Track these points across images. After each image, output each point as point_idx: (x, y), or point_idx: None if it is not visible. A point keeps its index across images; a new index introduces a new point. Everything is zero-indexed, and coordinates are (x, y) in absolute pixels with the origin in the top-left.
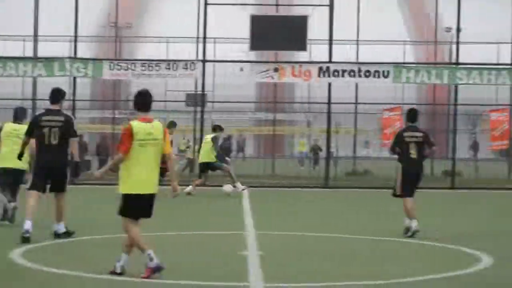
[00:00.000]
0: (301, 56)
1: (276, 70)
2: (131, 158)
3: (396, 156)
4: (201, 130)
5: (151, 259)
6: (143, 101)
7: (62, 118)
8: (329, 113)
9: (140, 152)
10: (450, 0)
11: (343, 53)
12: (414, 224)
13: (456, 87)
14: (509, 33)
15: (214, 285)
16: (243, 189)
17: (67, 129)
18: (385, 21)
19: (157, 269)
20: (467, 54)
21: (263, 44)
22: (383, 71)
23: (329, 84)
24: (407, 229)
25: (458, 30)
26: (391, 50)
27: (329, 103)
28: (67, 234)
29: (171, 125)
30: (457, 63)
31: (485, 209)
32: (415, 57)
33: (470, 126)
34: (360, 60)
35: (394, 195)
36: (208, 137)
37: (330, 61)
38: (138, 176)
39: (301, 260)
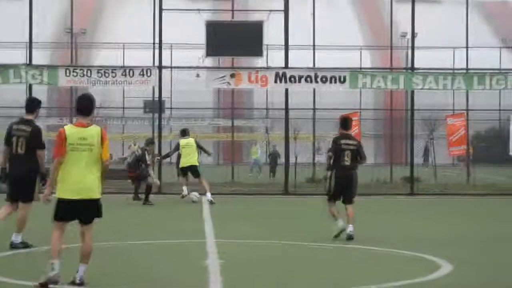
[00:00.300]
0: (258, 62)
1: (232, 76)
2: (65, 163)
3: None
4: (159, 137)
5: (52, 269)
6: (81, 105)
7: (29, 129)
8: (287, 119)
9: (72, 157)
10: (404, 6)
11: (300, 59)
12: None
13: (412, 92)
14: (463, 38)
15: None
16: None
17: (33, 140)
18: (341, 26)
19: (53, 281)
20: (423, 60)
21: (219, 50)
22: (340, 77)
23: (286, 90)
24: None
25: (413, 35)
26: (347, 56)
27: (286, 109)
28: (24, 245)
29: (150, 143)
30: (413, 68)
31: (445, 214)
32: (371, 63)
33: (427, 132)
34: (317, 66)
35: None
36: (191, 140)
37: (286, 67)
38: (70, 181)
39: (262, 268)
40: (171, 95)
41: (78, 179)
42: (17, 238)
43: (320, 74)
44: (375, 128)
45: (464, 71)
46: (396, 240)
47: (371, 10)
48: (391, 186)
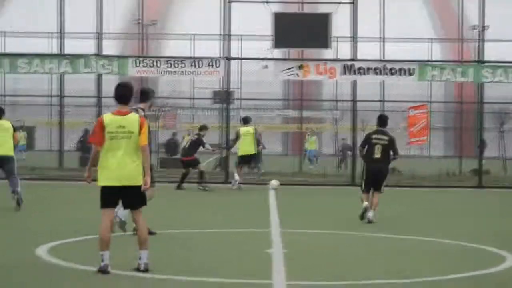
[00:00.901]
0: (326, 53)
1: (300, 67)
2: (105, 151)
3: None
4: (227, 127)
5: (102, 260)
6: (118, 93)
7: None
8: (354, 111)
9: (112, 145)
10: None
11: (368, 51)
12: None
13: (481, 85)
14: None
15: (238, 283)
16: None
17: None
18: (410, 18)
19: (103, 272)
20: (493, 52)
21: (286, 42)
22: (408, 69)
23: (354, 82)
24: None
25: (483, 27)
26: (416, 48)
27: (354, 100)
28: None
29: (203, 128)
30: (482, 61)
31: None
32: (441, 55)
33: (497, 124)
34: (385, 58)
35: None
36: (251, 129)
37: (354, 59)
38: (111, 168)
39: (326, 259)
40: (240, 85)
41: (118, 166)
42: None
43: (388, 66)
44: (444, 121)
45: None
46: (460, 233)
47: (441, 1)
48: (459, 178)
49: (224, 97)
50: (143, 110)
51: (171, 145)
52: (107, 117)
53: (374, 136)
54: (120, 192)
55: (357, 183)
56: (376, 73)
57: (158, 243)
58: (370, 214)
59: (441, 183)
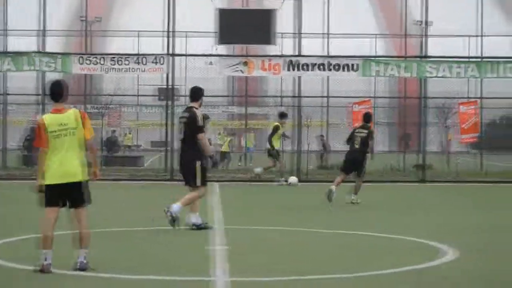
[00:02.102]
0: (270, 50)
1: (245, 64)
2: (50, 151)
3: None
4: (172, 124)
5: (45, 259)
6: (51, 91)
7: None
8: (299, 106)
9: (55, 144)
10: None
11: (313, 47)
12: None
13: (425, 80)
14: (478, 26)
15: (181, 280)
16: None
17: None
18: (355, 14)
19: (45, 271)
20: (437, 48)
21: (231, 38)
22: (352, 65)
23: (299, 78)
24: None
25: (427, 23)
26: (360, 44)
27: (298, 96)
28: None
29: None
30: (426, 57)
31: (455, 202)
32: (385, 51)
33: (441, 119)
34: (330, 53)
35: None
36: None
37: (299, 55)
38: (56, 166)
39: (270, 255)
40: (185, 82)
41: (61, 163)
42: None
43: (333, 62)
44: (388, 116)
45: (478, 59)
46: (403, 227)
47: None
48: (403, 174)
49: (168, 94)
50: (197, 108)
51: (111, 143)
52: (47, 117)
53: (357, 130)
54: (64, 190)
55: (302, 178)
56: (320, 69)
57: (100, 241)
58: (353, 196)
59: (385, 178)
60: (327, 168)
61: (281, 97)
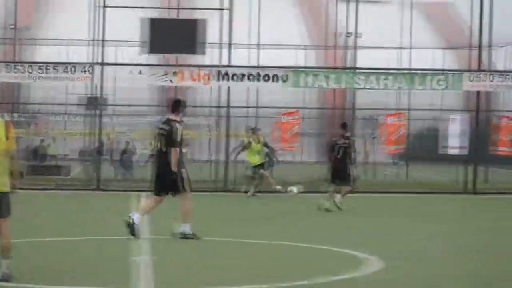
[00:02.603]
0: (200, 60)
1: (175, 73)
2: None
3: None
4: (99, 134)
5: None
6: None
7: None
8: (228, 117)
9: None
10: (350, 6)
11: (244, 58)
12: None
13: (354, 91)
14: (407, 39)
15: None
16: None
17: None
18: (286, 25)
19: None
20: (367, 59)
21: (160, 48)
22: (282, 76)
23: (228, 88)
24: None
25: (356, 35)
26: (291, 55)
27: (228, 106)
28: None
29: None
30: (355, 68)
31: (381, 212)
32: (316, 62)
33: (369, 130)
34: (260, 64)
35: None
36: (262, 138)
37: (229, 65)
38: None
39: (195, 265)
40: (114, 92)
41: None
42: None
43: (262, 73)
44: (318, 127)
45: (406, 71)
46: (327, 237)
47: (316, 9)
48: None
49: (96, 103)
50: (178, 121)
51: (37, 152)
52: None
53: (338, 141)
54: None
55: (230, 189)
56: (250, 80)
57: (25, 252)
58: (337, 198)
59: (312, 188)
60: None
61: (211, 107)
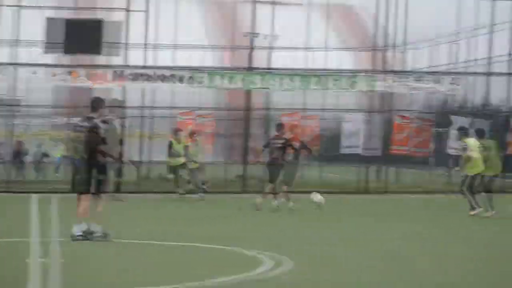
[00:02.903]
0: (99, 60)
1: (72, 73)
2: None
3: None
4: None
5: None
6: None
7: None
8: (123, 117)
9: None
10: (253, 7)
11: (142, 58)
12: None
13: (250, 92)
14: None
15: None
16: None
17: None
18: (185, 25)
19: None
20: (269, 60)
21: (58, 48)
22: (179, 76)
23: (123, 88)
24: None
25: (253, 35)
26: (192, 56)
27: (124, 107)
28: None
29: None
30: (251, 68)
31: (270, 213)
32: (216, 62)
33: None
34: (159, 64)
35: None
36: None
37: (125, 65)
38: None
39: (102, 267)
40: (27, 93)
41: None
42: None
43: (159, 73)
44: (215, 127)
45: (303, 71)
46: (224, 237)
47: (219, 10)
48: (226, 184)
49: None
50: (94, 118)
51: None
52: None
53: (272, 140)
54: None
55: (122, 190)
56: (147, 80)
57: None
58: (275, 202)
59: (212, 189)
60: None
61: (109, 107)
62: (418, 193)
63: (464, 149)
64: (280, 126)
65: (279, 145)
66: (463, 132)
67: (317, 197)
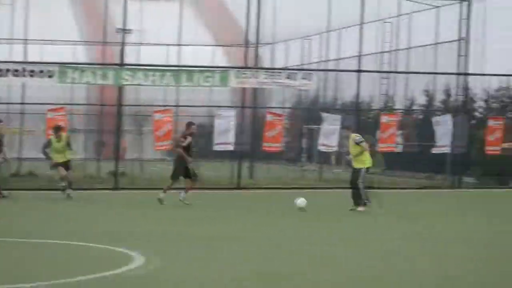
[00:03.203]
0: None
1: None
2: None
3: None
4: None
5: None
6: None
7: None
8: None
9: None
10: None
11: (10, 53)
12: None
13: (122, 87)
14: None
15: None
16: None
17: None
18: (56, 19)
19: None
20: (139, 55)
21: None
22: (48, 71)
23: None
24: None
25: (124, 31)
26: (61, 51)
27: None
28: None
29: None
30: (122, 64)
31: (148, 209)
32: (89, 58)
33: (137, 127)
34: (30, 59)
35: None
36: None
37: None
38: None
39: None
40: None
41: None
42: None
43: (28, 68)
44: (87, 123)
45: (175, 67)
46: (93, 234)
47: (87, 3)
48: (98, 181)
49: None
50: None
51: None
52: None
53: (181, 138)
54: None
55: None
56: (16, 75)
57: None
58: (181, 194)
59: (81, 185)
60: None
61: None
62: (289, 189)
63: (360, 142)
64: (190, 125)
65: (185, 144)
66: (347, 127)
67: (301, 203)
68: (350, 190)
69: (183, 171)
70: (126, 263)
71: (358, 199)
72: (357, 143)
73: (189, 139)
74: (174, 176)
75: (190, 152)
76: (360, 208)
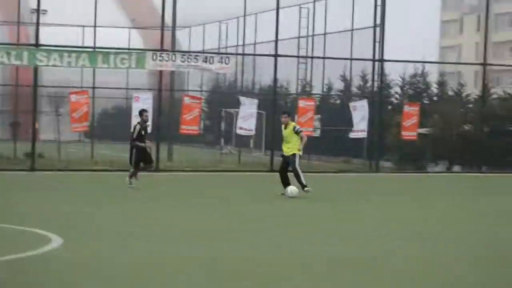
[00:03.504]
0: None
1: None
2: None
3: None
4: None
5: None
6: None
7: None
8: None
9: None
10: None
11: None
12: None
13: (37, 68)
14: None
15: None
16: None
17: None
18: None
19: None
20: (53, 37)
21: None
22: None
23: None
24: None
25: (38, 12)
26: None
27: None
28: None
29: None
30: (38, 45)
31: (64, 190)
32: (2, 38)
33: (54, 108)
34: None
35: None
36: None
37: None
38: None
39: None
40: None
41: None
42: None
43: None
44: (1, 104)
45: (91, 49)
46: (9, 215)
47: None
48: (14, 162)
49: None
50: None
51: None
52: None
53: (144, 124)
54: None
55: None
56: None
57: None
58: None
59: None
60: None
61: None
62: (209, 171)
63: (300, 132)
64: (143, 111)
65: (142, 129)
66: (288, 114)
67: (293, 192)
68: (276, 174)
69: (143, 157)
70: (43, 244)
71: (288, 185)
72: (297, 132)
73: (143, 125)
74: (136, 164)
75: (146, 136)
76: (308, 188)
